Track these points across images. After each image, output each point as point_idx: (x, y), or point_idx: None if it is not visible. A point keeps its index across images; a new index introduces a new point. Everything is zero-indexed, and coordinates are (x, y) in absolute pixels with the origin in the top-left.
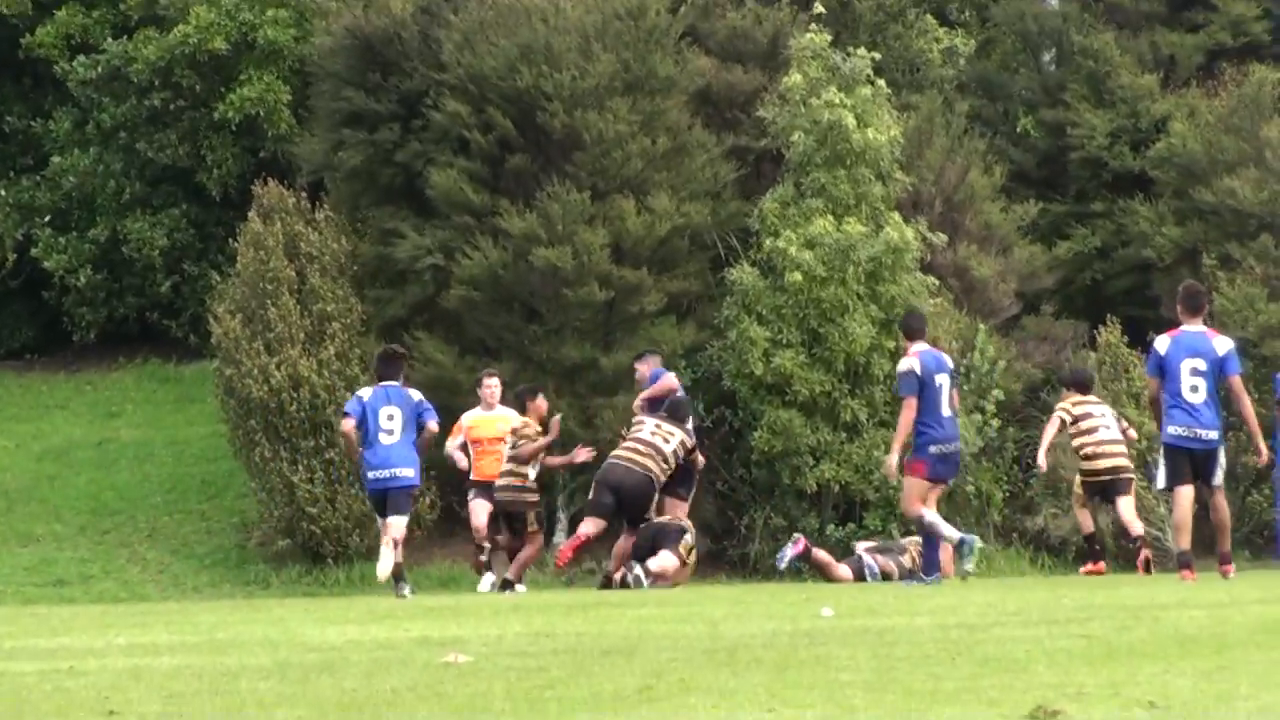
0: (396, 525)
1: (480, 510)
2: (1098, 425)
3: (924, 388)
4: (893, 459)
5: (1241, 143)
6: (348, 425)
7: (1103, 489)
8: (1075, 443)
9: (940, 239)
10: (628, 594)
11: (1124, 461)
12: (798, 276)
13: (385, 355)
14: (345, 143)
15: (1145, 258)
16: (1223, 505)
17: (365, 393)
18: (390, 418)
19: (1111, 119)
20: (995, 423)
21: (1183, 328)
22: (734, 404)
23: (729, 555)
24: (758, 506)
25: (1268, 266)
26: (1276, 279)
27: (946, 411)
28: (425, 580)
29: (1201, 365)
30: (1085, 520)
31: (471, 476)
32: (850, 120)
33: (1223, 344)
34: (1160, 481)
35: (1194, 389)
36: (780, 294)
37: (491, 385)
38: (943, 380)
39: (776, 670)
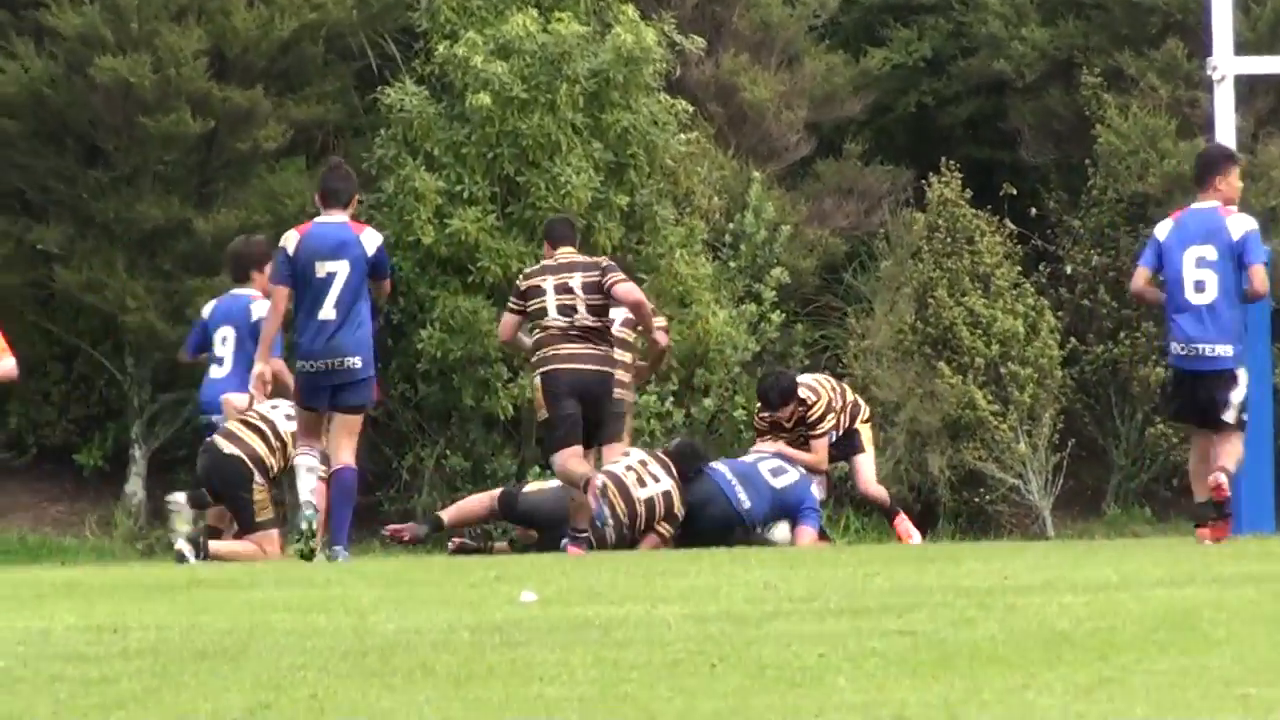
0: None
1: None
2: None
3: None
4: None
5: None
6: None
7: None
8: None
9: (696, 44)
10: (233, 571)
11: None
12: (485, 99)
13: None
14: None
15: (997, 72)
16: (1227, 451)
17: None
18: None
19: None
20: (775, 316)
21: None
22: (392, 288)
23: (385, 510)
24: (427, 440)
25: (1176, 86)
26: (1189, 105)
27: None
28: None
29: (1211, 254)
30: None
31: None
32: None
33: (1239, 224)
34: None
35: (1199, 287)
36: (460, 125)
37: None
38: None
39: (452, 683)
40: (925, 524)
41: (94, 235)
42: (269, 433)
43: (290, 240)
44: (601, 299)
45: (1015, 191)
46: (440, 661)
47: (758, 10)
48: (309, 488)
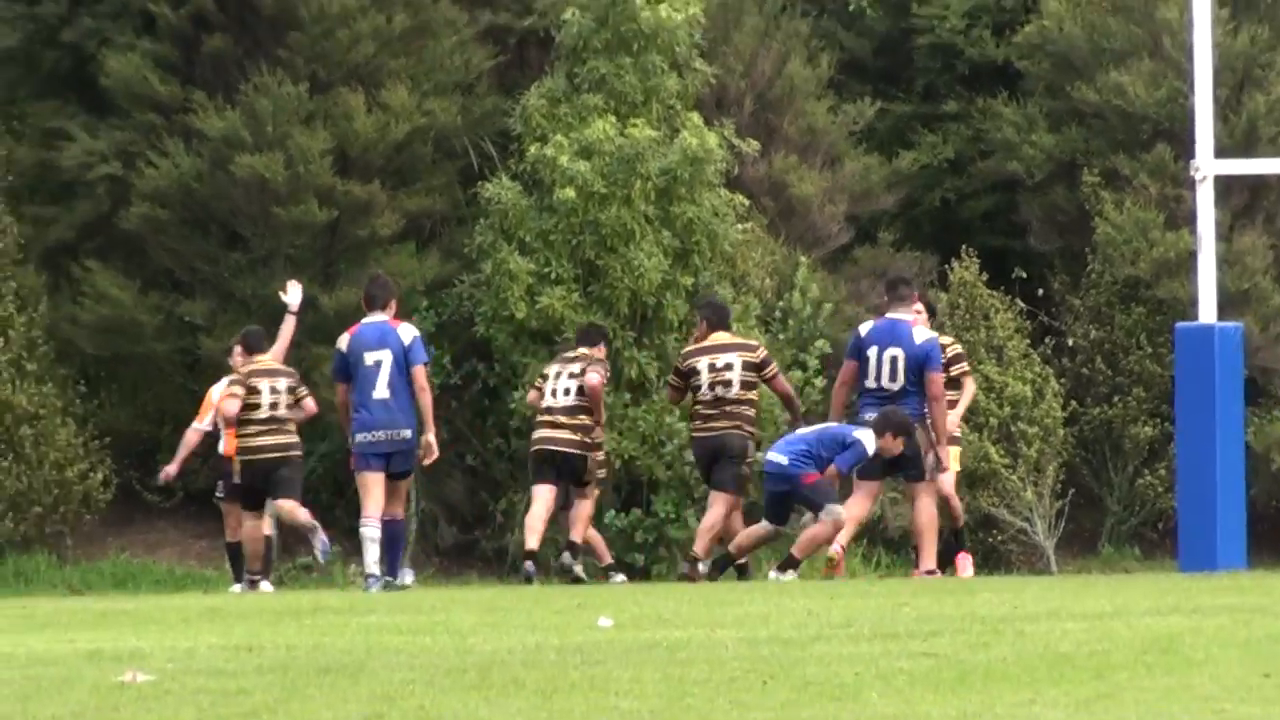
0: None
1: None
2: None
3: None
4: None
5: (1133, 27)
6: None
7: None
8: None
9: (752, 147)
10: (355, 598)
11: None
12: (570, 193)
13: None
14: None
15: (1010, 173)
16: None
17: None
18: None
19: None
20: (818, 382)
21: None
22: (489, 356)
23: (481, 548)
24: (518, 487)
25: (1164, 185)
26: (1175, 201)
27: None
28: (97, 578)
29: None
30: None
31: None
32: None
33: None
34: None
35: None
36: (548, 215)
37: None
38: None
39: (540, 696)
40: (944, 561)
41: (233, 309)
42: None
43: (342, 341)
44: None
45: (1025, 275)
46: (530, 677)
47: (805, 118)
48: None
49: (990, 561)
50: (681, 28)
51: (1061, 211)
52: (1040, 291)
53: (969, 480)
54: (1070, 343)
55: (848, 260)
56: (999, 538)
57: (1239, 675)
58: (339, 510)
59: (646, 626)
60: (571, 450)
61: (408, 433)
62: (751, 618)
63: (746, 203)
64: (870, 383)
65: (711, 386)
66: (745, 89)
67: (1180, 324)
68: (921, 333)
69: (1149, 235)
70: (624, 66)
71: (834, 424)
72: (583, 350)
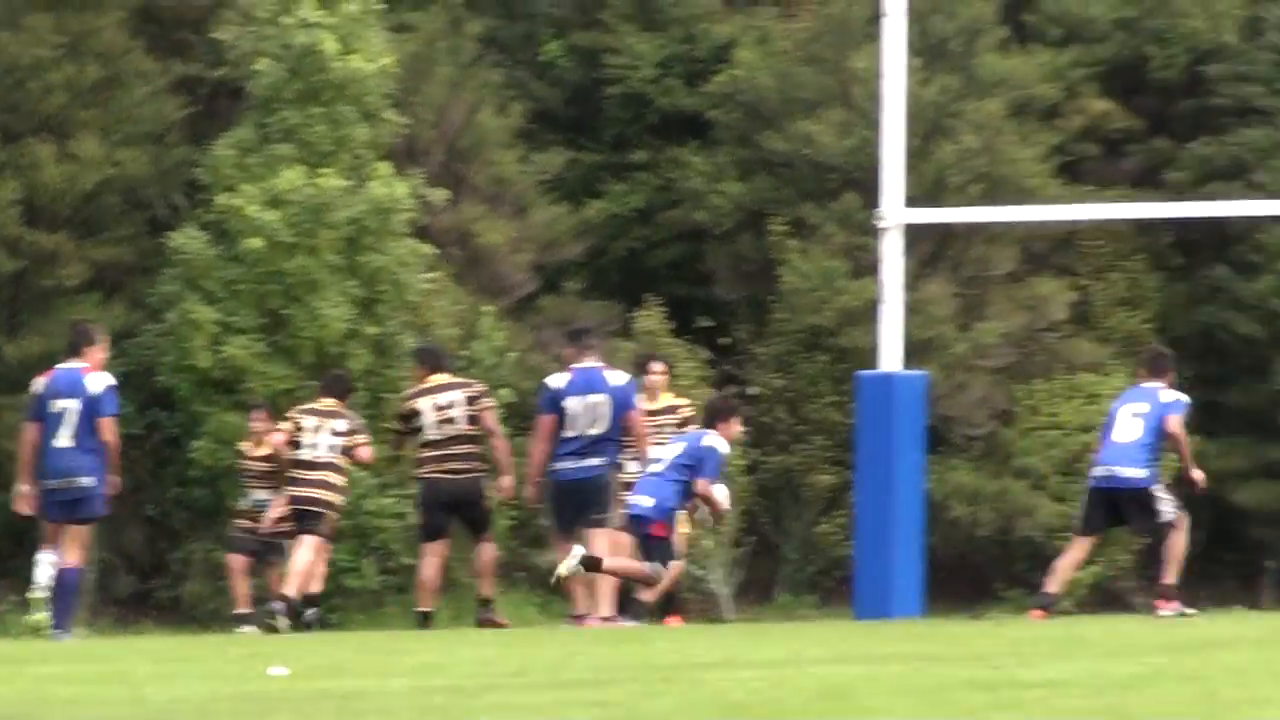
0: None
1: None
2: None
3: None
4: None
5: (823, 76)
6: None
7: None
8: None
9: (440, 196)
10: (31, 647)
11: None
12: (257, 243)
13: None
14: None
15: (697, 222)
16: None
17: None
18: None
19: (662, 45)
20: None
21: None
22: (171, 405)
23: (156, 597)
24: (197, 537)
25: (851, 233)
26: (860, 250)
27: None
28: None
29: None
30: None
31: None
32: (331, 45)
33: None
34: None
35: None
36: (234, 265)
37: None
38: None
39: None
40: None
41: None
42: None
43: (38, 383)
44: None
45: (710, 323)
46: None
47: (494, 167)
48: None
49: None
50: (373, 78)
51: (747, 260)
52: (724, 340)
53: None
54: (753, 391)
55: (533, 309)
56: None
57: None
58: (19, 559)
59: (320, 676)
60: (319, 509)
61: (86, 480)
62: (426, 667)
63: (434, 251)
64: (569, 432)
65: (439, 425)
66: (436, 138)
67: (861, 372)
68: (616, 375)
69: (834, 284)
70: (314, 116)
71: (676, 448)
72: (330, 402)
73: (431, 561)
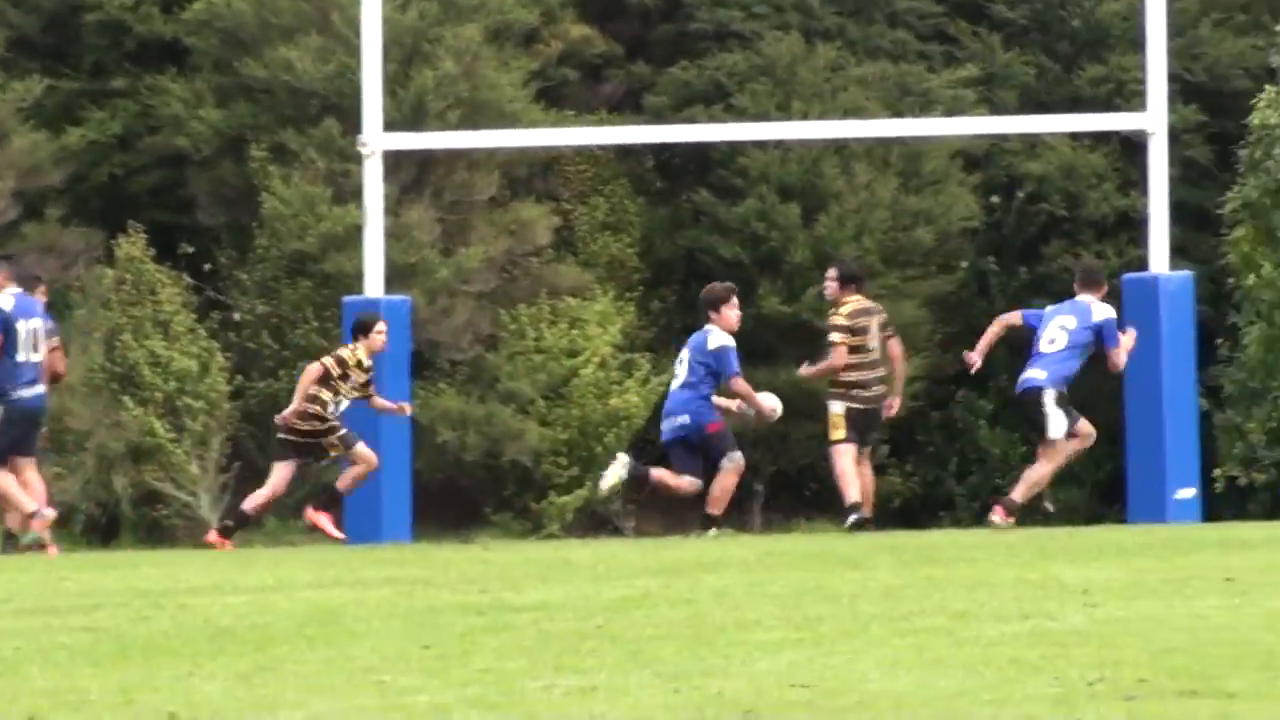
0: None
1: None
2: None
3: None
4: None
5: (302, 3)
6: None
7: None
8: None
9: None
10: None
11: None
12: None
13: None
14: None
15: (178, 148)
16: None
17: None
18: None
19: None
20: None
21: None
22: None
23: None
24: None
25: (332, 160)
26: (343, 175)
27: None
28: None
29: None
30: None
31: None
32: None
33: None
34: None
35: None
36: None
37: None
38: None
39: None
40: (109, 536)
41: None
42: None
43: None
44: None
45: (192, 250)
46: None
47: None
48: None
49: (154, 536)
50: None
51: (229, 186)
52: (208, 266)
53: (134, 455)
54: (237, 317)
55: (16, 236)
56: (164, 512)
57: (400, 646)
58: None
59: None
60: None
61: None
62: None
63: None
64: (21, 356)
65: None
66: None
67: (346, 297)
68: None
69: (316, 210)
70: None
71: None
72: None
73: None
